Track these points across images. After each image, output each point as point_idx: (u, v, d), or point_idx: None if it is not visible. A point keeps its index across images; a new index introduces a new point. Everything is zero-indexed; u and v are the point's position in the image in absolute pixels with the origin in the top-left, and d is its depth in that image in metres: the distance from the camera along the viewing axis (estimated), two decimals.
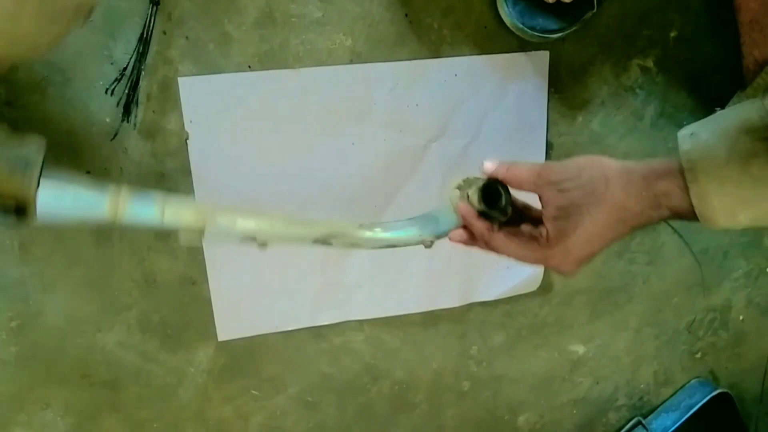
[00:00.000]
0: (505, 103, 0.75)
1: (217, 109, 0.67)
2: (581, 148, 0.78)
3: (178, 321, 0.72)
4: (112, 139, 0.64)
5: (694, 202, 0.50)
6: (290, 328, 0.76)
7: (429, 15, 0.69)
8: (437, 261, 0.78)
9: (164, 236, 0.68)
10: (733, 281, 0.92)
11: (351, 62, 0.68)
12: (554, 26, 0.70)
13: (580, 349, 0.86)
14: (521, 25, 0.69)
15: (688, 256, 0.86)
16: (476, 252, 0.78)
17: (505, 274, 0.80)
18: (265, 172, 0.70)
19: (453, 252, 0.77)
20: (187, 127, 0.66)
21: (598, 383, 0.89)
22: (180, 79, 0.64)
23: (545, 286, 0.82)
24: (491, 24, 0.70)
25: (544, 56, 0.74)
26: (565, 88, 0.75)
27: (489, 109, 0.74)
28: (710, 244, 0.87)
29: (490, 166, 0.57)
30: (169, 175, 0.67)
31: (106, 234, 0.67)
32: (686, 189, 0.50)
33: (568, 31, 0.70)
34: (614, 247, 0.83)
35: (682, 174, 0.50)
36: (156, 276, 0.70)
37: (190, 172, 0.67)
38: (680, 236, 0.85)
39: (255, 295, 0.74)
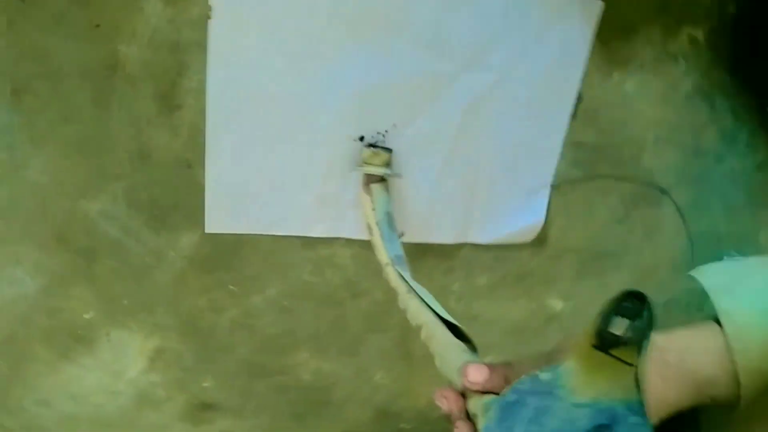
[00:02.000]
0: (546, 45, 0.70)
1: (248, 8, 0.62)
2: (607, 108, 0.75)
3: (167, 202, 0.69)
4: None
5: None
6: (280, 233, 0.74)
7: None
8: (440, 193, 0.75)
9: (167, 111, 0.64)
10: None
11: None
12: None
13: (559, 305, 0.87)
14: None
15: (684, 236, 0.86)
16: (480, 193, 0.77)
17: (505, 220, 0.78)
18: (285, 69, 0.66)
19: (456, 188, 0.75)
20: (210, 1, 0.61)
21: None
22: None
23: (540, 238, 0.81)
24: None
25: (598, 6, 0.69)
26: (611, 41, 0.71)
27: (528, 47, 0.70)
28: (708, 229, 0.87)
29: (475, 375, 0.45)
30: (185, 46, 0.62)
31: (105, 96, 0.63)
32: (736, 376, 0.42)
33: None
34: (616, 213, 0.83)
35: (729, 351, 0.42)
36: (152, 151, 0.66)
37: (206, 49, 0.63)
38: (681, 215, 0.84)
39: (250, 192, 0.71)
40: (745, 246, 0.90)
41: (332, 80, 0.67)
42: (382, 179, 0.69)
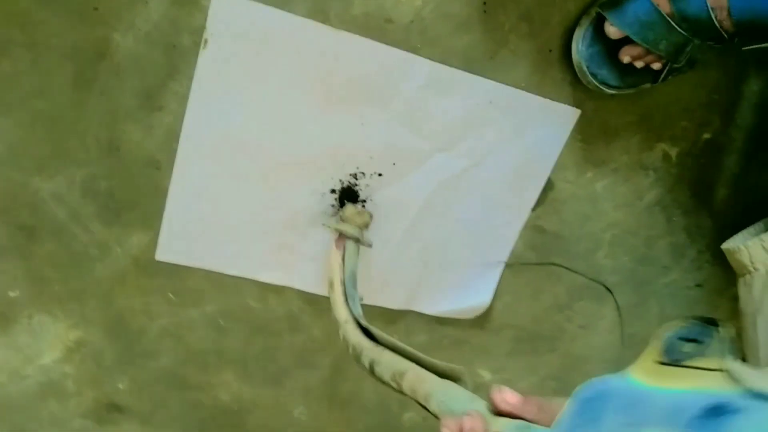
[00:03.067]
0: (520, 144, 0.73)
1: (241, 35, 0.62)
2: (575, 202, 0.77)
3: (126, 198, 0.66)
4: None
5: None
6: (230, 273, 0.74)
7: (506, 14, 0.65)
8: (395, 261, 0.77)
9: (148, 109, 0.62)
10: None
11: (411, 23, 0.63)
12: (613, 83, 0.68)
13: (487, 375, 0.88)
14: (584, 67, 0.67)
15: (617, 335, 0.89)
16: (433, 267, 0.79)
17: (452, 296, 0.81)
18: (264, 118, 0.66)
19: (412, 258, 0.77)
20: (207, 33, 0.60)
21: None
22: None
23: (485, 312, 0.83)
24: (557, 50, 0.68)
25: (574, 114, 0.73)
26: (591, 141, 0.74)
27: (503, 142, 0.73)
28: (640, 332, 0.90)
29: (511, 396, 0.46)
30: (181, 50, 0.61)
31: (87, 80, 0.60)
32: None
33: (622, 92, 0.69)
34: (559, 300, 0.85)
35: None
36: (122, 145, 0.64)
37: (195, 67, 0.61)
38: (619, 315, 0.87)
39: (208, 228, 0.70)
40: None
41: (307, 137, 0.68)
42: (356, 239, 0.69)
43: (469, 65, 0.66)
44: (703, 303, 0.90)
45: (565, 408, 0.43)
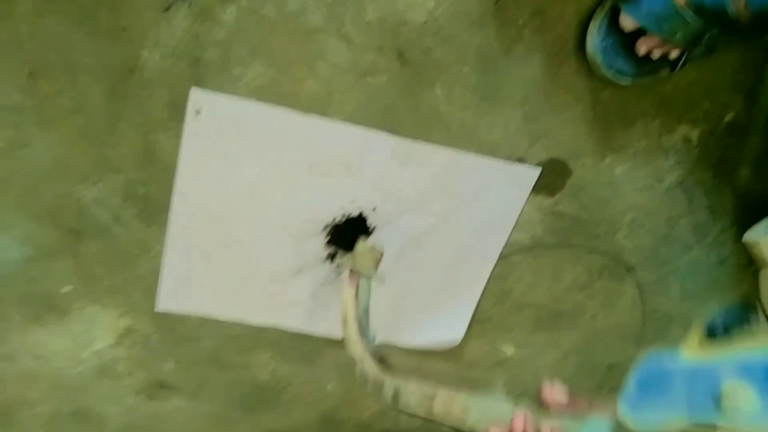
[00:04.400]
0: (483, 201, 0.78)
1: (222, 120, 0.68)
2: (593, 186, 0.79)
3: (163, 200, 0.71)
4: (164, 11, 0.60)
5: None
6: (225, 319, 0.81)
7: (518, 9, 0.66)
8: (373, 296, 0.81)
9: (178, 119, 0.66)
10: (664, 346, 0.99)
11: (425, 23, 0.65)
12: (629, 73, 0.68)
13: (510, 350, 0.92)
14: (600, 60, 0.67)
15: (638, 312, 0.91)
16: (405, 311, 0.85)
17: (427, 332, 0.87)
18: (245, 187, 0.73)
19: (387, 303, 0.83)
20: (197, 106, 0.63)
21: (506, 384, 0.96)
22: (193, 91, 0.65)
23: (505, 290, 0.86)
24: (572, 41, 0.68)
25: (533, 174, 0.77)
26: (609, 128, 0.74)
27: (467, 201, 0.78)
28: (661, 309, 0.92)
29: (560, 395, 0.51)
30: (204, 63, 0.64)
31: (120, 95, 0.64)
32: None
33: (639, 81, 0.69)
34: (580, 280, 0.87)
35: None
36: (156, 153, 0.68)
37: (228, 68, 0.64)
38: (640, 292, 0.89)
39: (202, 280, 0.78)
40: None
41: (285, 204, 0.74)
42: (369, 276, 0.73)
43: (484, 63, 0.68)
44: (727, 279, 0.91)
45: (630, 382, 0.47)
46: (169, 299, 0.78)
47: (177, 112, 0.66)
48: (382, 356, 0.65)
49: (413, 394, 0.59)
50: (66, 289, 0.75)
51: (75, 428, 0.86)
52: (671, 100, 0.74)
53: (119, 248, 0.73)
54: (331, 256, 0.78)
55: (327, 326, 0.84)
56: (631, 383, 0.48)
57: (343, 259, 0.75)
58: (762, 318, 0.53)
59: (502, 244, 0.82)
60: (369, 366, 0.65)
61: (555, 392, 0.52)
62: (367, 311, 0.71)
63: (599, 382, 1.00)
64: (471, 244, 0.81)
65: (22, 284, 0.74)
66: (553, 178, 0.77)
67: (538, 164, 0.76)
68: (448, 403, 0.56)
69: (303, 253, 0.78)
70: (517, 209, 0.79)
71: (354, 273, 0.72)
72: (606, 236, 0.83)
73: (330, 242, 0.77)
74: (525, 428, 0.52)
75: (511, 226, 0.80)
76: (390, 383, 0.61)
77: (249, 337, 0.83)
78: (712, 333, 0.49)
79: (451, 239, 0.80)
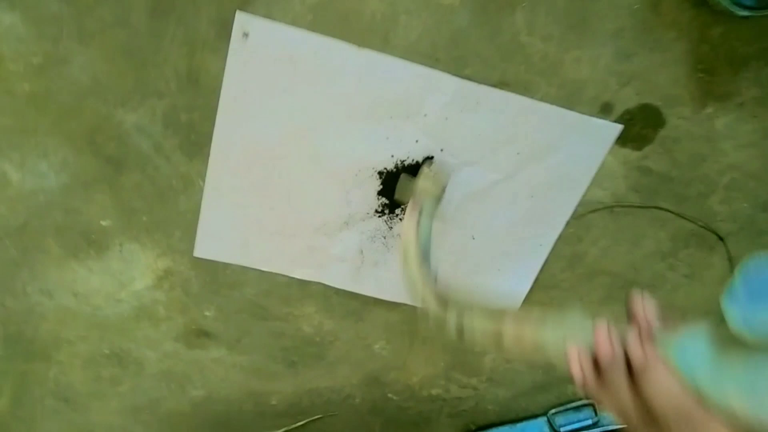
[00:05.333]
0: (553, 159, 0.70)
1: (270, 51, 0.61)
2: (689, 140, 0.69)
3: (206, 130, 0.65)
4: None
5: None
6: (265, 269, 0.76)
7: None
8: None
9: (226, 38, 0.60)
10: None
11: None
12: (748, 2, 0.58)
13: None
14: None
15: (726, 285, 0.81)
16: (462, 272, 0.76)
17: (488, 287, 0.79)
18: (292, 130, 0.66)
19: (440, 261, 0.76)
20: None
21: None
22: (238, 14, 0.58)
23: (578, 254, 0.77)
24: None
25: (614, 130, 0.68)
26: (715, 72, 0.64)
27: (536, 157, 0.69)
28: None
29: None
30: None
31: (165, 8, 0.58)
32: None
33: (758, 14, 0.59)
34: (662, 247, 0.78)
35: None
36: (200, 75, 0.62)
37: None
38: (731, 266, 0.79)
39: (243, 228, 0.73)
40: None
41: (333, 150, 0.68)
42: (435, 197, 0.67)
43: None
44: None
45: (737, 282, 0.40)
46: (206, 246, 0.73)
47: (226, 30, 0.59)
48: (444, 295, 0.59)
49: (480, 325, 0.53)
50: (105, 222, 0.71)
51: (112, 371, 0.83)
52: None
53: (160, 181, 0.68)
54: (383, 209, 0.71)
55: (375, 286, 0.78)
56: (739, 288, 0.40)
57: (405, 182, 0.68)
58: None
59: (573, 206, 0.73)
60: (431, 297, 0.59)
61: (645, 305, 0.46)
62: (428, 241, 0.64)
63: None
64: (538, 204, 0.73)
65: (59, 215, 0.70)
66: (643, 127, 0.68)
67: (627, 110, 0.66)
68: (519, 330, 0.49)
69: (351, 204, 0.71)
70: (592, 169, 0.70)
71: (417, 199, 0.65)
72: (698, 199, 0.73)
73: (382, 192, 0.70)
74: (610, 341, 0.45)
75: (585, 186, 0.72)
76: (452, 318, 0.55)
77: (294, 288, 0.77)
78: None
79: (516, 197, 0.72)
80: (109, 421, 0.89)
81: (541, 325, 0.49)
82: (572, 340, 0.47)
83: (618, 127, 0.68)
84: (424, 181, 0.65)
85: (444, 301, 0.58)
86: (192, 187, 0.69)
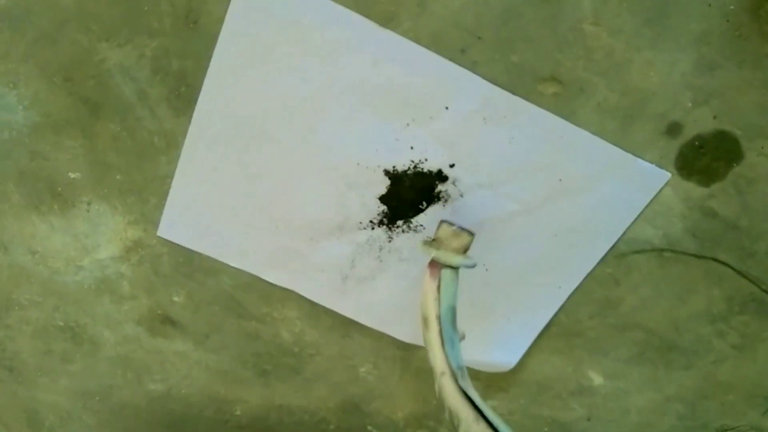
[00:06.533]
0: (586, 199, 0.59)
1: (275, 13, 0.52)
2: (764, 185, 0.57)
3: (199, 83, 0.56)
4: None
5: None
6: (233, 265, 0.66)
7: None
8: (410, 292, 0.66)
9: None
10: None
11: None
12: None
13: (598, 380, 0.71)
14: None
15: None
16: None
17: (476, 346, 0.68)
18: (286, 111, 0.57)
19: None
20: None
21: (588, 420, 0.75)
22: None
23: (611, 301, 0.65)
24: None
25: (664, 177, 0.57)
26: None
27: (563, 193, 0.58)
28: None
29: None
30: None
31: None
32: None
33: None
34: (714, 309, 0.65)
35: None
36: (201, 17, 0.53)
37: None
38: None
39: (214, 215, 0.63)
40: None
41: (331, 141, 0.58)
42: (454, 267, 0.55)
43: None
44: None
45: None
46: (172, 227, 0.64)
47: None
48: (464, 386, 0.50)
49: None
50: (74, 175, 0.62)
51: (64, 346, 0.74)
52: None
53: (140, 136, 0.59)
54: (383, 217, 0.61)
55: (362, 312, 0.68)
56: None
57: (425, 248, 0.57)
58: None
59: (598, 259, 0.63)
60: (448, 388, 0.50)
61: None
62: (452, 310, 0.55)
63: None
64: (558, 251, 0.62)
65: (24, 158, 0.61)
66: (714, 159, 0.56)
67: (698, 135, 0.55)
68: None
69: (346, 206, 0.61)
70: (630, 218, 0.60)
71: (436, 262, 0.55)
72: (766, 257, 0.61)
73: (384, 198, 0.60)
74: None
75: (616, 238, 0.61)
76: (466, 426, 0.47)
77: (278, 286, 0.67)
78: None
79: (533, 238, 0.62)
80: (55, 401, 0.79)
81: None
82: None
83: (666, 175, 0.57)
84: (445, 239, 0.55)
85: (462, 396, 0.49)
86: (175, 148, 0.59)
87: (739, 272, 0.62)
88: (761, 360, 0.69)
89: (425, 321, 0.54)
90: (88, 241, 0.66)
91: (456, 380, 0.49)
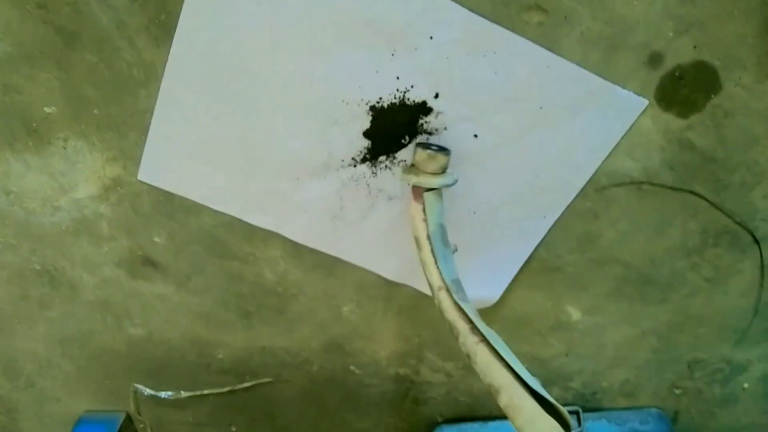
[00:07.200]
0: (564, 129, 0.59)
1: None
2: (744, 115, 0.59)
3: (179, 11, 0.54)
4: None
5: None
6: (216, 208, 0.66)
7: None
8: (398, 233, 0.65)
9: None
10: None
11: None
12: None
13: (576, 315, 0.73)
14: None
15: (751, 300, 0.71)
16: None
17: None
18: (266, 47, 0.55)
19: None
20: None
21: (567, 355, 0.77)
22: None
23: (591, 235, 0.67)
24: None
25: (640, 105, 0.58)
26: None
27: (544, 123, 0.59)
28: None
29: None
30: None
31: None
32: None
33: None
34: (689, 242, 0.67)
35: None
36: None
37: None
38: (762, 275, 0.69)
39: (195, 157, 0.62)
40: None
41: (312, 77, 0.57)
42: (434, 189, 0.58)
43: None
44: None
45: None
46: (152, 173, 0.63)
47: None
48: (459, 300, 0.52)
49: (481, 369, 0.46)
50: (49, 109, 0.60)
51: (42, 291, 0.73)
52: None
53: (119, 68, 0.57)
54: (366, 152, 0.61)
55: (349, 252, 0.68)
56: None
57: (404, 174, 0.60)
58: None
59: (576, 191, 0.64)
60: (446, 303, 0.52)
61: None
62: (441, 228, 0.57)
63: (673, 380, 0.80)
64: (537, 183, 0.63)
65: None
66: (693, 90, 0.57)
67: (678, 65, 0.56)
68: (510, 408, 0.44)
69: (331, 143, 0.61)
70: (608, 144, 0.61)
71: (417, 187, 0.57)
72: (740, 189, 0.63)
73: (368, 133, 0.60)
74: None
75: (593, 170, 0.62)
76: (464, 340, 0.49)
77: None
78: None
79: (512, 170, 0.62)
80: (33, 349, 0.78)
81: (525, 426, 0.43)
82: None
83: (643, 103, 0.58)
84: (421, 164, 0.57)
85: (459, 311, 0.51)
86: (156, 81, 0.58)
87: (713, 204, 0.64)
88: (732, 292, 0.71)
89: (417, 242, 0.56)
90: (65, 180, 0.65)
91: (451, 294, 0.51)
